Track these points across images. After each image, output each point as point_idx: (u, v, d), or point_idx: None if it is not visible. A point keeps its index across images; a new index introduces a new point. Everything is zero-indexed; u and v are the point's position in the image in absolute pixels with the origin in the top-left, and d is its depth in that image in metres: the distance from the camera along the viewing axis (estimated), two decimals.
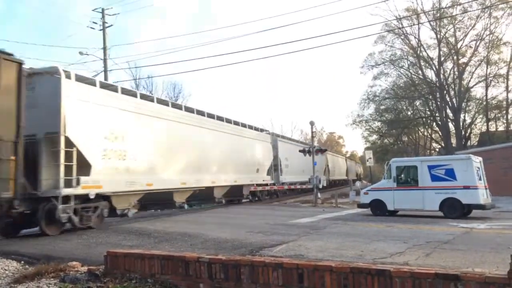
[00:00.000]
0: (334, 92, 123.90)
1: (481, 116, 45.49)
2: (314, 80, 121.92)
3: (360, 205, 16.81)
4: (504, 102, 43.05)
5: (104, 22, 28.05)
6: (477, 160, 15.19)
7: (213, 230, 10.88)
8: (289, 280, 4.63)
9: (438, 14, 40.93)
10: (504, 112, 43.66)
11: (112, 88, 13.64)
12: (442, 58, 44.08)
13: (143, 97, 15.23)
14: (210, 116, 19.37)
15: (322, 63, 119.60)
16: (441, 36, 43.10)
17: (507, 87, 42.23)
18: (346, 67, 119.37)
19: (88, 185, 11.28)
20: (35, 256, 8.19)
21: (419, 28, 43.50)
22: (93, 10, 34.40)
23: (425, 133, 54.06)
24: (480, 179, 14.87)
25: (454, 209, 14.49)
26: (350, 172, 60.73)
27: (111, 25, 28.45)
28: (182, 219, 14.81)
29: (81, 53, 27.02)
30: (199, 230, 10.98)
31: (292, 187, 30.14)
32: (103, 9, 28.30)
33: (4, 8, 77.57)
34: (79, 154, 11.04)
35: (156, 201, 15.39)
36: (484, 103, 43.39)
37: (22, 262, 7.79)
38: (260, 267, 4.82)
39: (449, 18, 41.04)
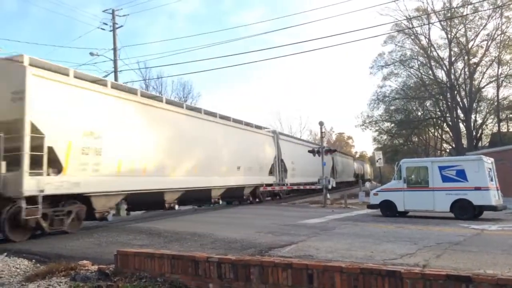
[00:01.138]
0: (344, 92, 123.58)
1: (492, 116, 45.08)
2: (324, 80, 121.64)
3: (370, 206, 16.73)
4: None
5: (114, 23, 28.23)
6: (488, 161, 15.04)
7: (222, 230, 10.89)
8: (298, 280, 4.62)
9: (449, 14, 40.60)
10: None
11: None
12: (453, 58, 43.73)
13: None
14: None
15: (331, 64, 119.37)
16: (452, 36, 42.76)
17: None
18: (356, 67, 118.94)
19: None
20: (46, 254, 8.27)
21: (429, 28, 43.23)
22: (103, 11, 34.59)
23: (436, 134, 53.66)
24: (491, 180, 14.73)
25: (465, 210, 14.37)
26: (341, 172, 44.19)
27: (121, 26, 28.64)
28: (191, 219, 14.86)
29: (91, 53, 27.25)
30: (208, 230, 11.00)
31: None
32: (113, 10, 28.50)
33: (15, 8, 78.43)
34: None
35: None
36: (496, 103, 42.96)
37: (34, 260, 7.86)
38: (270, 267, 4.82)
39: (460, 18, 40.69)
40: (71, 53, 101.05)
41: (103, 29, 28.28)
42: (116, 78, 26.65)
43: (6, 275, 6.81)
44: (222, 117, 20.08)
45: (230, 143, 19.96)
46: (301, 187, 26.06)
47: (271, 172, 24.79)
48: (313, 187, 27.52)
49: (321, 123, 25.51)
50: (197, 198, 18.46)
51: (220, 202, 20.36)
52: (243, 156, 21.08)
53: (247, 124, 22.71)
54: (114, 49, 27.86)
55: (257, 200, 23.41)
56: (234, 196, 21.68)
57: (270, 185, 24.07)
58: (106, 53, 28.58)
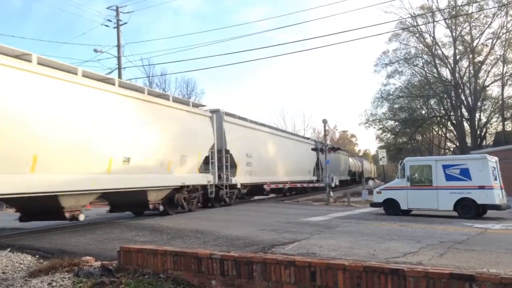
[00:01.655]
0: (348, 90, 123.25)
1: (497, 115, 44.91)
2: (327, 78, 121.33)
3: (373, 204, 16.69)
4: None
5: (118, 20, 28.29)
6: (492, 160, 14.98)
7: (225, 228, 10.90)
8: (301, 278, 4.61)
9: (454, 12, 40.44)
10: None
11: None
12: (458, 57, 43.55)
13: None
14: None
15: (335, 61, 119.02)
16: (457, 34, 42.58)
17: None
18: (360, 65, 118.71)
19: None
20: (49, 250, 8.30)
21: (434, 26, 43.04)
22: (107, 8, 34.63)
23: (440, 132, 53.44)
24: (495, 179, 14.67)
25: (468, 209, 14.32)
26: (331, 169, 27.33)
27: (125, 23, 28.74)
28: (194, 216, 14.86)
29: (95, 50, 27.33)
30: (211, 227, 11.01)
31: None
32: (117, 7, 28.54)
33: (19, 5, 78.68)
34: None
35: None
36: (500, 102, 42.80)
37: (37, 256, 7.90)
38: (273, 264, 4.82)
39: (465, 16, 40.51)
40: (75, 49, 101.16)
41: (107, 26, 28.39)
42: (119, 75, 26.72)
43: (9, 270, 6.84)
44: (105, 79, 12.34)
45: (114, 122, 11.95)
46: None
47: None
48: (280, 186, 24.33)
49: (324, 121, 25.45)
50: (40, 212, 10.97)
51: (81, 217, 11.13)
52: (140, 143, 12.99)
53: (160, 95, 15.24)
54: (118, 46, 27.92)
55: (182, 209, 15.69)
56: (130, 205, 14.15)
57: (204, 186, 16.94)
58: (110, 50, 28.83)
